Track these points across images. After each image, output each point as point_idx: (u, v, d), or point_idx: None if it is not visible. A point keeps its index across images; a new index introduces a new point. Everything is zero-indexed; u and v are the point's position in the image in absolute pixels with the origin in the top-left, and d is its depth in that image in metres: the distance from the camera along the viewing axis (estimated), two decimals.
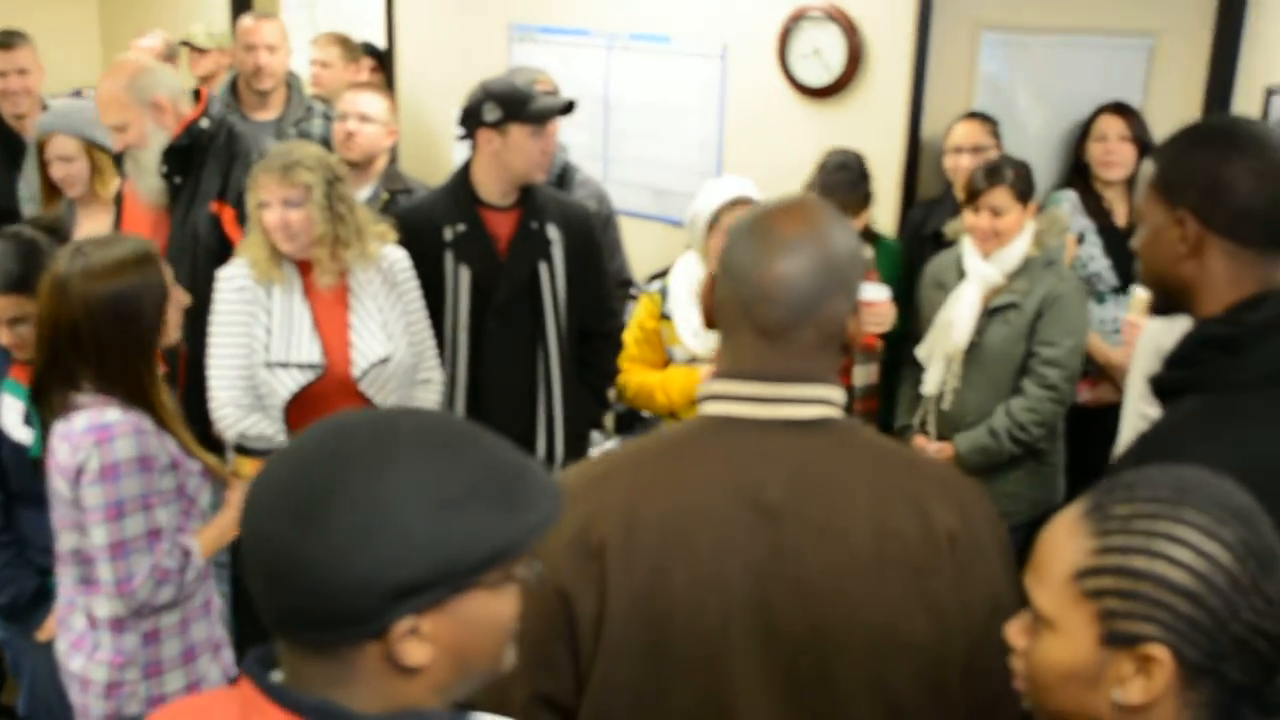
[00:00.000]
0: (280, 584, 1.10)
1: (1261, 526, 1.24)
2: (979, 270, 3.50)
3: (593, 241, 3.48)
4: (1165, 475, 1.27)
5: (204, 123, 3.56)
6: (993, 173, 3.45)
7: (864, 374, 3.69)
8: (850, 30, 4.11)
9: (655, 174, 4.64)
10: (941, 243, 3.80)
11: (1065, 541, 1.27)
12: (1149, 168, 1.80)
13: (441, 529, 1.09)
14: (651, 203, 4.72)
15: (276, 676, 1.17)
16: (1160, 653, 1.19)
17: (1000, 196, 3.43)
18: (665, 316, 3.48)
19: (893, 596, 1.52)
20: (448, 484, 1.11)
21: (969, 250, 3.54)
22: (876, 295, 3.41)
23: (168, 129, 3.52)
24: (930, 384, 3.58)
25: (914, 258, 3.95)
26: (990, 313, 3.49)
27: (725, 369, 1.61)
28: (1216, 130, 1.78)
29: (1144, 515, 1.23)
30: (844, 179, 3.67)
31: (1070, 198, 3.98)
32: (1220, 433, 1.66)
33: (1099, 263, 3.88)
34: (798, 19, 4.20)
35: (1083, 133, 4.07)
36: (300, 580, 1.08)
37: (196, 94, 3.65)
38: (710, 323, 1.66)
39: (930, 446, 3.59)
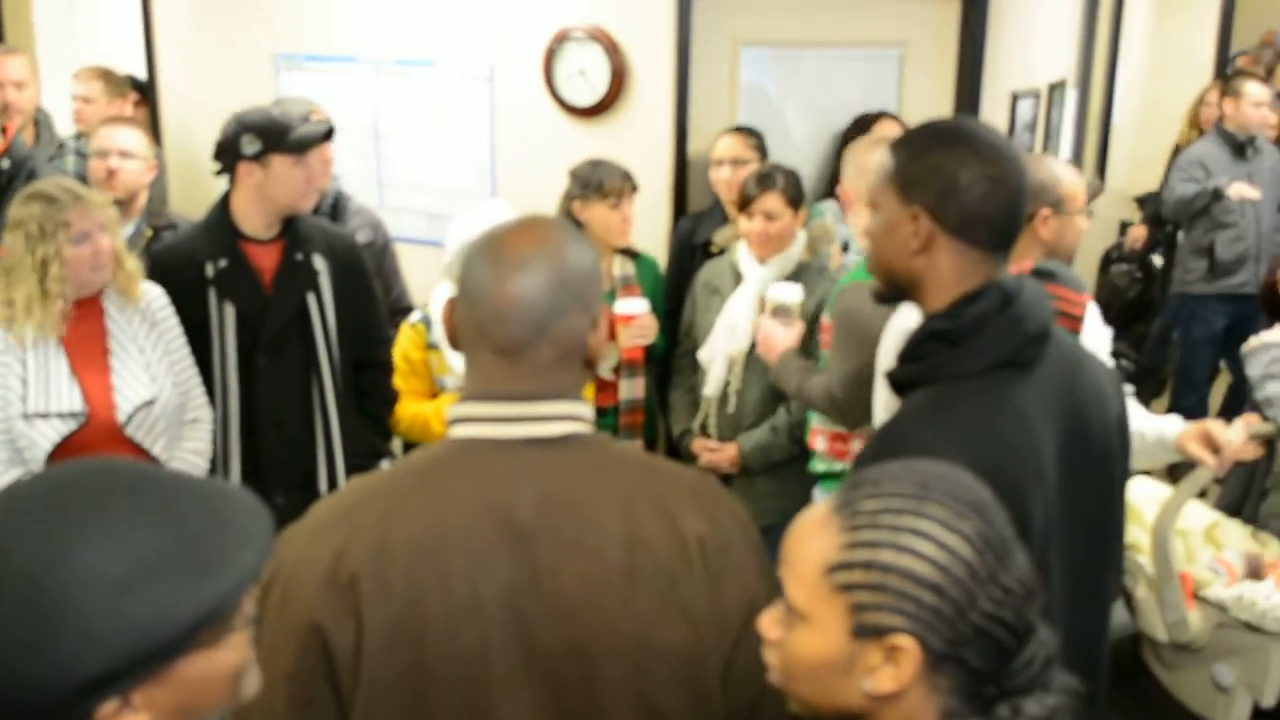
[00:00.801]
0: None
1: (997, 519, 1.30)
2: (756, 274, 3.58)
3: (361, 269, 3.43)
4: (908, 471, 1.33)
5: (3, 163, 3.38)
6: (764, 179, 3.54)
7: (629, 388, 3.74)
8: (613, 50, 4.17)
9: (430, 199, 4.60)
10: (710, 253, 3.88)
11: (816, 536, 1.31)
12: (886, 161, 1.86)
13: (128, 614, 1.02)
14: (428, 228, 4.67)
15: None
16: (907, 642, 1.24)
17: (772, 201, 3.52)
18: (433, 346, 3.47)
19: (648, 606, 1.54)
20: (133, 557, 1.03)
21: (744, 256, 3.61)
22: (636, 308, 3.45)
23: None
24: (712, 386, 3.64)
25: (683, 268, 4.02)
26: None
27: (470, 391, 1.61)
28: (955, 133, 1.84)
29: (890, 510, 1.28)
30: (608, 169, 3.73)
31: (832, 207, 4.11)
32: (947, 420, 1.74)
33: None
34: (561, 40, 4.24)
35: (840, 143, 4.21)
36: None
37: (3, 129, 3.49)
38: (455, 344, 1.66)
39: (709, 447, 3.66)
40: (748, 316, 3.56)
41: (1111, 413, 1.96)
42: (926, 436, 1.71)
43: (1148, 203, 6.86)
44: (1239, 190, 5.61)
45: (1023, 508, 1.66)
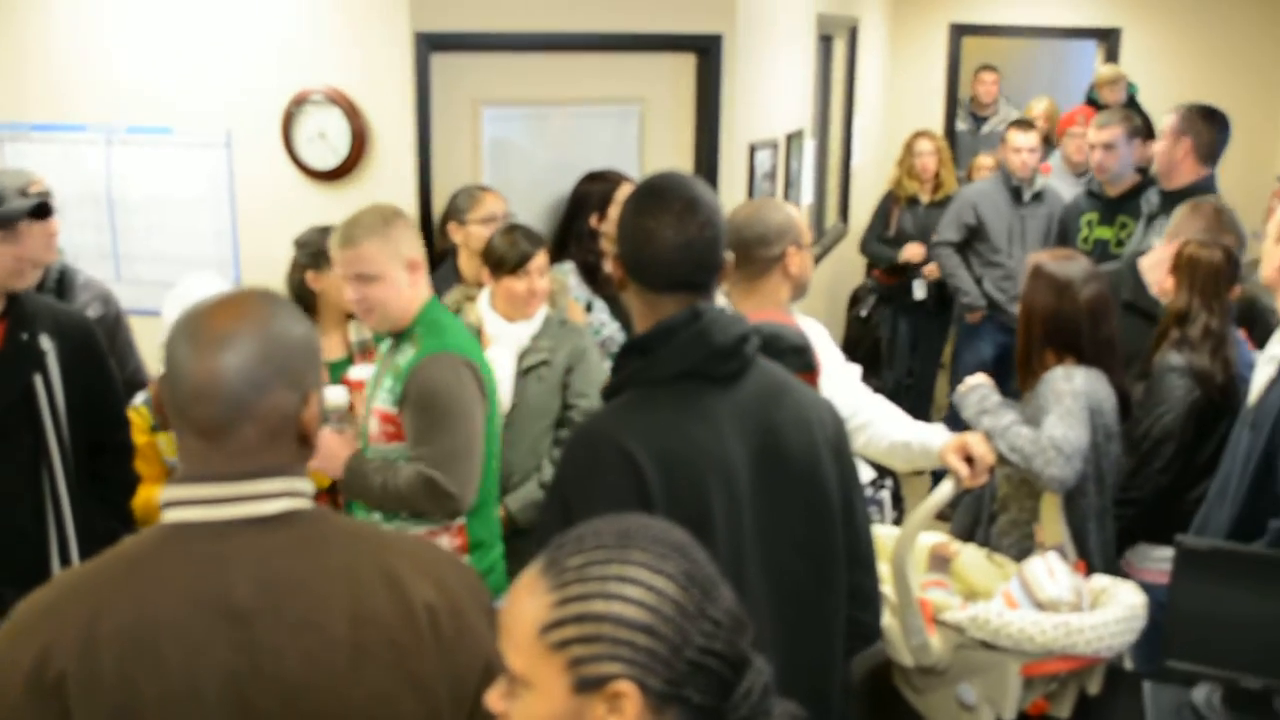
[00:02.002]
0: None
1: (699, 557, 1.35)
2: (509, 334, 3.57)
3: (93, 348, 3.27)
4: (609, 524, 1.36)
5: None
6: (534, 239, 3.55)
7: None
8: (353, 112, 4.14)
9: (170, 269, 4.41)
10: None
11: (526, 600, 1.32)
12: None
13: None
14: None
15: None
16: (626, 687, 1.26)
17: (543, 259, 3.55)
18: (157, 428, 3.36)
19: (377, 681, 1.52)
20: None
21: (489, 315, 3.60)
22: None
23: None
24: None
25: None
26: (524, 373, 3.57)
27: (181, 473, 1.56)
28: (647, 189, 2.07)
29: (595, 562, 1.30)
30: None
31: (574, 269, 4.15)
32: (635, 416, 1.96)
33: (610, 326, 4.07)
34: (300, 103, 4.18)
35: (572, 200, 4.26)
36: None
37: None
38: (164, 425, 1.61)
39: None
40: (507, 377, 3.54)
41: (818, 439, 2.09)
42: (614, 430, 1.92)
43: (869, 244, 7.11)
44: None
45: (703, 496, 1.88)
